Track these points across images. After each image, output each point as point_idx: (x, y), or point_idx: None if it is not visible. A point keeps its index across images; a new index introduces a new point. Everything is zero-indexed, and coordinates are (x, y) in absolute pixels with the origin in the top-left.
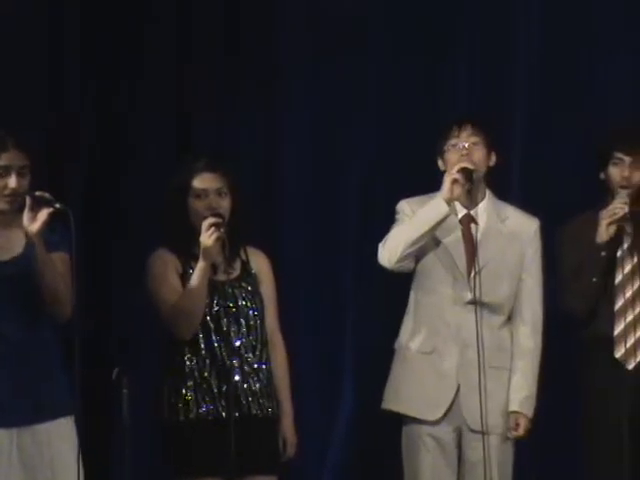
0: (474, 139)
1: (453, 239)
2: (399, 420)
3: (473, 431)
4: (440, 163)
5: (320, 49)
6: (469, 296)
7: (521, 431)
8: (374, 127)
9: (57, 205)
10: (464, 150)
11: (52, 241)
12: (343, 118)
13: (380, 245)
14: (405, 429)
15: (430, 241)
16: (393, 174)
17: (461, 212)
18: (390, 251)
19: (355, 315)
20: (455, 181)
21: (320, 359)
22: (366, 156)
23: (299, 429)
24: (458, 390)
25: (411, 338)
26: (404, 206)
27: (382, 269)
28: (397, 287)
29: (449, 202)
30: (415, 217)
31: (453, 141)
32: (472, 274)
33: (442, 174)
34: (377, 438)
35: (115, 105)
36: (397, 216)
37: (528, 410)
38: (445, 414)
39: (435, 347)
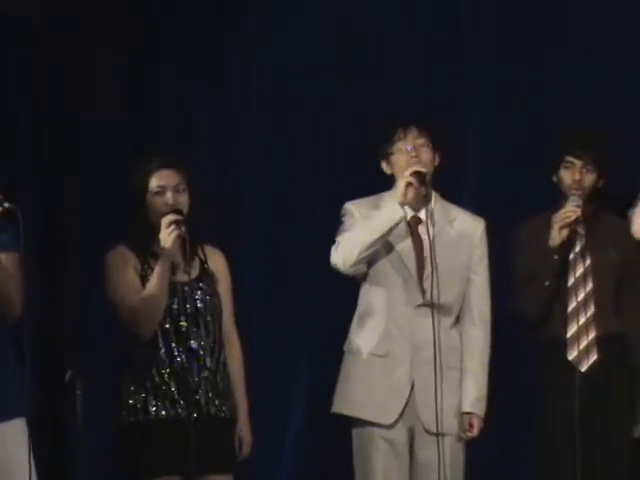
0: (420, 140)
1: (402, 242)
2: (351, 422)
3: (428, 432)
4: (385, 166)
5: (272, 48)
6: (420, 299)
7: (475, 432)
8: (330, 126)
9: (6, 204)
10: (412, 152)
11: (2, 241)
12: (298, 118)
13: (333, 248)
14: (356, 431)
15: (380, 245)
16: (349, 176)
17: (409, 214)
18: (345, 255)
19: (309, 316)
20: (409, 184)
21: (274, 359)
22: (323, 156)
23: (254, 429)
24: (413, 392)
25: (362, 341)
26: (351, 209)
27: (336, 271)
28: (351, 288)
29: (403, 206)
30: (370, 221)
31: (400, 144)
32: (424, 276)
33: (387, 177)
34: (331, 439)
35: (69, 104)
36: (344, 218)
37: (481, 410)
38: (399, 416)
39: (388, 350)
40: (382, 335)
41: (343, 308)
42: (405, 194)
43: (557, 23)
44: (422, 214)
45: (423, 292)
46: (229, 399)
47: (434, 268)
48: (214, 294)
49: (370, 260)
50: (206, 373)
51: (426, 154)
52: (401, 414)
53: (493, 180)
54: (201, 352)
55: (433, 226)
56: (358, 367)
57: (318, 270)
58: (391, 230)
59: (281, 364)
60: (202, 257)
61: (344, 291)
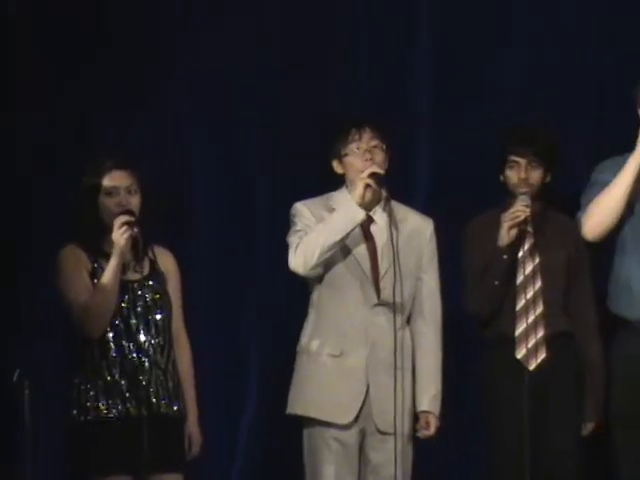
0: (374, 142)
1: (356, 242)
2: (302, 422)
3: (381, 432)
4: (336, 165)
5: (217, 47)
6: (376, 298)
7: (432, 430)
8: (275, 128)
9: None
10: (367, 154)
11: None
12: (246, 120)
13: (291, 251)
14: (307, 432)
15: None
16: (298, 176)
17: None
18: (306, 257)
19: (260, 316)
20: (368, 186)
21: (225, 358)
22: (274, 157)
23: (206, 427)
24: (367, 392)
25: (317, 341)
26: (302, 209)
27: (288, 271)
28: (301, 288)
29: (361, 207)
30: (329, 223)
31: (354, 145)
32: (380, 276)
33: (335, 177)
34: (283, 437)
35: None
36: (295, 219)
37: (436, 409)
38: (356, 417)
39: (343, 350)
40: (337, 335)
41: (294, 308)
42: (364, 195)
43: (503, 21)
44: (376, 215)
45: (378, 292)
46: (179, 397)
47: (397, 267)
48: (164, 293)
49: (326, 261)
50: (157, 371)
51: (380, 155)
52: (358, 414)
53: (441, 180)
54: (151, 350)
55: (396, 227)
56: (313, 367)
57: (269, 270)
58: (352, 231)
59: (233, 363)
60: (152, 257)
61: (294, 291)
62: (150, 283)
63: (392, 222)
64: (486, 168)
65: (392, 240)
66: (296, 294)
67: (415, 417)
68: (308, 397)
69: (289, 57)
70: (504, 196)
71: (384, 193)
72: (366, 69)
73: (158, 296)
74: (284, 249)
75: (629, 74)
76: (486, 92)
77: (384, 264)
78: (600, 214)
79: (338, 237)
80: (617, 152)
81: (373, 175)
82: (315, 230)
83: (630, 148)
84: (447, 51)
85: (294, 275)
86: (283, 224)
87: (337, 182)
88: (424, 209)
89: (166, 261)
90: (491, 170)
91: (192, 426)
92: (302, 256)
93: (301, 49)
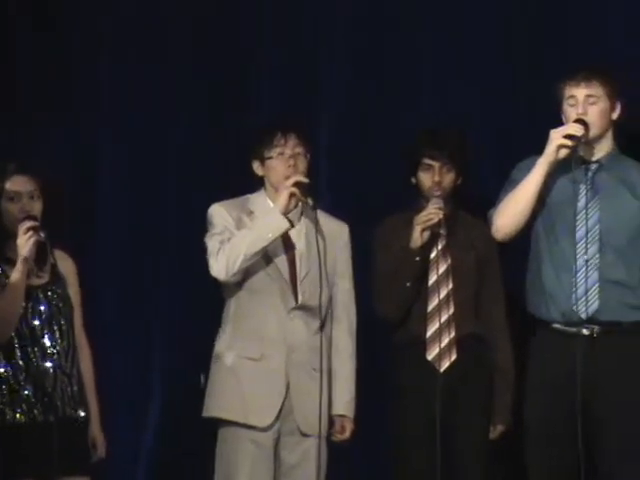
0: (298, 149)
1: (275, 247)
2: (213, 423)
3: (302, 434)
4: (257, 167)
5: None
6: (294, 302)
7: (347, 434)
8: (186, 127)
9: None
10: (291, 160)
11: None
12: (158, 118)
13: (211, 257)
14: (222, 434)
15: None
16: (210, 177)
17: None
18: (228, 263)
19: (165, 317)
20: (292, 195)
21: (130, 361)
22: (184, 158)
23: (111, 429)
24: (288, 393)
25: (236, 345)
26: (220, 211)
27: (195, 271)
28: (208, 290)
29: (285, 215)
30: (252, 230)
31: (278, 149)
32: (298, 280)
33: (258, 178)
34: (191, 439)
35: None
36: (213, 221)
37: (351, 412)
38: (275, 419)
39: (263, 353)
40: (256, 339)
41: (200, 309)
42: (288, 204)
43: (409, 24)
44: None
45: (296, 296)
46: (84, 401)
47: (323, 272)
48: (67, 298)
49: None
50: (62, 376)
51: (303, 164)
52: (277, 415)
53: (348, 181)
54: (56, 355)
55: (323, 238)
56: (232, 371)
57: (175, 271)
58: (276, 239)
59: (137, 366)
60: (52, 261)
61: (200, 292)
62: (53, 288)
63: (317, 229)
64: (393, 170)
65: (318, 246)
66: (202, 295)
67: (330, 420)
68: (227, 400)
69: (199, 57)
70: (414, 198)
71: (310, 202)
72: (270, 68)
73: (61, 300)
74: (191, 250)
75: (540, 73)
76: (396, 93)
77: (303, 269)
78: (510, 213)
79: (261, 245)
80: (529, 154)
81: (298, 184)
82: (238, 236)
83: (542, 150)
84: (353, 51)
85: (201, 276)
86: (190, 225)
87: (250, 185)
88: (332, 212)
89: (66, 265)
90: (398, 172)
91: (95, 428)
92: (224, 262)
93: (212, 51)
